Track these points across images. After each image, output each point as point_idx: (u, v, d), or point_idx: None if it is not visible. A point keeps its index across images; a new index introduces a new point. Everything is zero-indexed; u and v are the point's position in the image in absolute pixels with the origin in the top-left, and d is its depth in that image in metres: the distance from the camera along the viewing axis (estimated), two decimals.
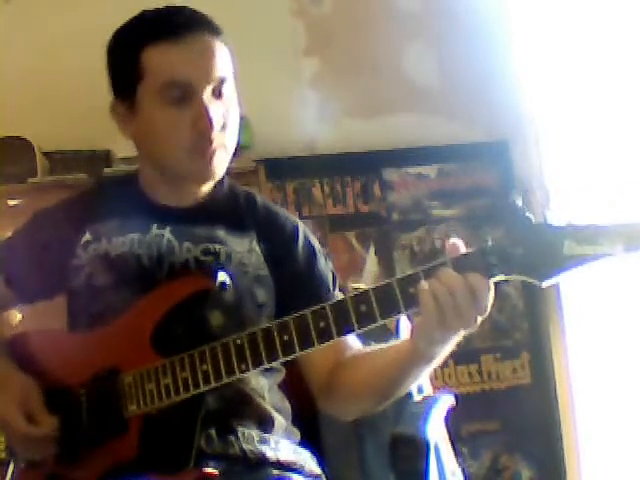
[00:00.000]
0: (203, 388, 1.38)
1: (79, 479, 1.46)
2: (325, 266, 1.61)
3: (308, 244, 1.61)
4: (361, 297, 1.29)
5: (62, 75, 3.32)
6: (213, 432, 1.45)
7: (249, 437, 1.48)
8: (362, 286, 1.34)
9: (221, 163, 1.51)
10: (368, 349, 1.52)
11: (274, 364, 1.41)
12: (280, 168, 3.48)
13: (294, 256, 1.58)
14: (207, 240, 1.54)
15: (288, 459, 1.51)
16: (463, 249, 1.27)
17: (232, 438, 1.46)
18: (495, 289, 1.25)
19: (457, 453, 1.88)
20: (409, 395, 1.69)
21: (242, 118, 1.54)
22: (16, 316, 1.71)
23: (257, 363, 1.35)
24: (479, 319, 1.26)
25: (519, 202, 3.23)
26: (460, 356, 3.25)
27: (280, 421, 1.55)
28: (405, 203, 3.58)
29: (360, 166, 3.56)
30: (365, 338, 1.52)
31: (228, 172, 1.57)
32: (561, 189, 3.37)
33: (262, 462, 1.48)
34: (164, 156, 1.50)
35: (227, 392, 1.44)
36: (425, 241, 3.55)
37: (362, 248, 3.52)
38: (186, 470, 1.37)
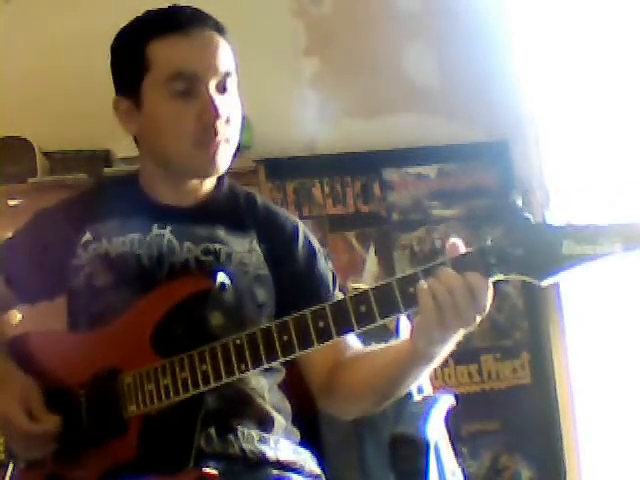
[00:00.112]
0: (203, 388, 1.38)
1: (79, 479, 1.46)
2: (325, 266, 1.61)
3: (308, 244, 1.61)
4: (360, 297, 1.29)
5: (62, 75, 3.31)
6: (213, 431, 1.45)
7: (249, 437, 1.48)
8: (362, 286, 1.34)
9: (225, 157, 1.51)
10: (368, 349, 1.52)
11: (274, 364, 1.41)
12: (280, 168, 3.48)
13: (294, 256, 1.58)
14: (208, 240, 1.54)
15: (288, 459, 1.51)
16: (463, 249, 1.27)
17: (232, 438, 1.46)
18: (494, 289, 1.25)
19: (457, 453, 1.88)
20: (409, 395, 1.69)
21: (242, 118, 1.54)
22: (16, 316, 1.71)
23: (257, 363, 1.35)
24: (478, 318, 1.26)
25: (519, 202, 3.24)
26: (460, 356, 3.23)
27: (280, 421, 1.55)
28: (405, 203, 3.58)
29: (360, 166, 3.55)
30: (365, 338, 1.52)
31: (228, 172, 1.57)
32: (561, 189, 3.36)
33: (262, 462, 1.48)
34: (168, 150, 1.50)
35: (227, 392, 1.44)
36: (425, 241, 3.54)
37: (362, 248, 3.51)
38: (186, 470, 1.37)
